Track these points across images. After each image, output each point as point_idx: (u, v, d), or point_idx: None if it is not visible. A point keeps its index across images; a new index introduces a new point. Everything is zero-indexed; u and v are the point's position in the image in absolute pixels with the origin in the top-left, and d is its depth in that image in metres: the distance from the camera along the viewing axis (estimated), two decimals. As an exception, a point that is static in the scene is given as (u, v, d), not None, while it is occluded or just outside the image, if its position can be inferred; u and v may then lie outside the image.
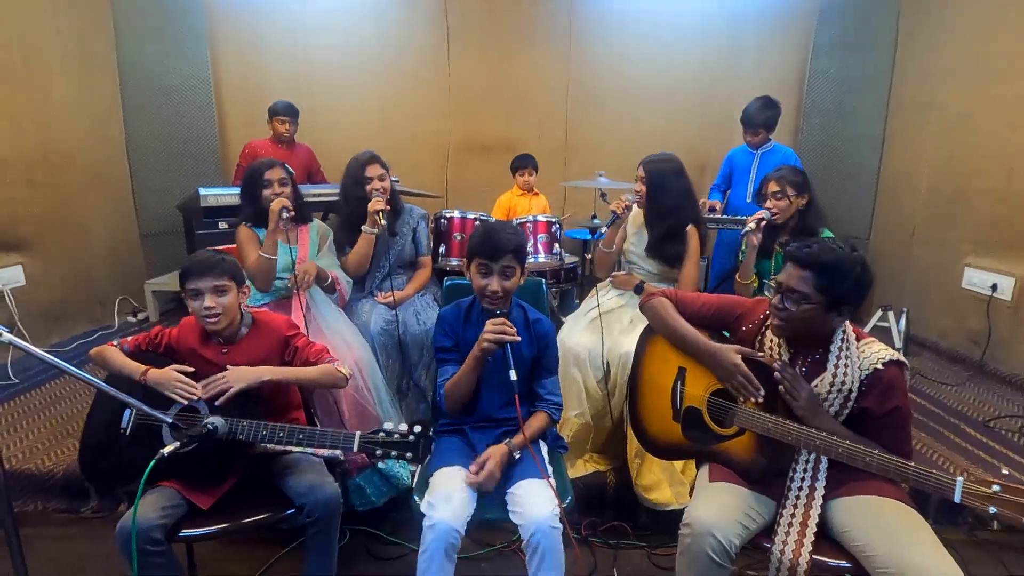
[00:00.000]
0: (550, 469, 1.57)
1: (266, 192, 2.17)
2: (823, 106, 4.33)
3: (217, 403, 1.45)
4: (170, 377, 1.49)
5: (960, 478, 1.09)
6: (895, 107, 4.12)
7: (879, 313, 3.44)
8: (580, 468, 2.22)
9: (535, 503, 1.42)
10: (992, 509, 1.06)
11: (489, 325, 1.52)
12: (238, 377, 1.48)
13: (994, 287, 3.17)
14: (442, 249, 2.80)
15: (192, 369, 1.54)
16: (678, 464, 2.09)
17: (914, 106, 3.92)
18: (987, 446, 2.44)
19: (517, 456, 1.54)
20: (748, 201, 3.13)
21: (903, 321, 3.43)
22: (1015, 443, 2.47)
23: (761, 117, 3.08)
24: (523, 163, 3.78)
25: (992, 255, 3.25)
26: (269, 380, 1.52)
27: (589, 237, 3.55)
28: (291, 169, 2.26)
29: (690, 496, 1.96)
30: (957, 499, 1.09)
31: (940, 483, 1.11)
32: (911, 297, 3.75)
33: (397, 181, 2.58)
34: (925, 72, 3.81)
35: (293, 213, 2.12)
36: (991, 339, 3.18)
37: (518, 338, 1.52)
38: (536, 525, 1.38)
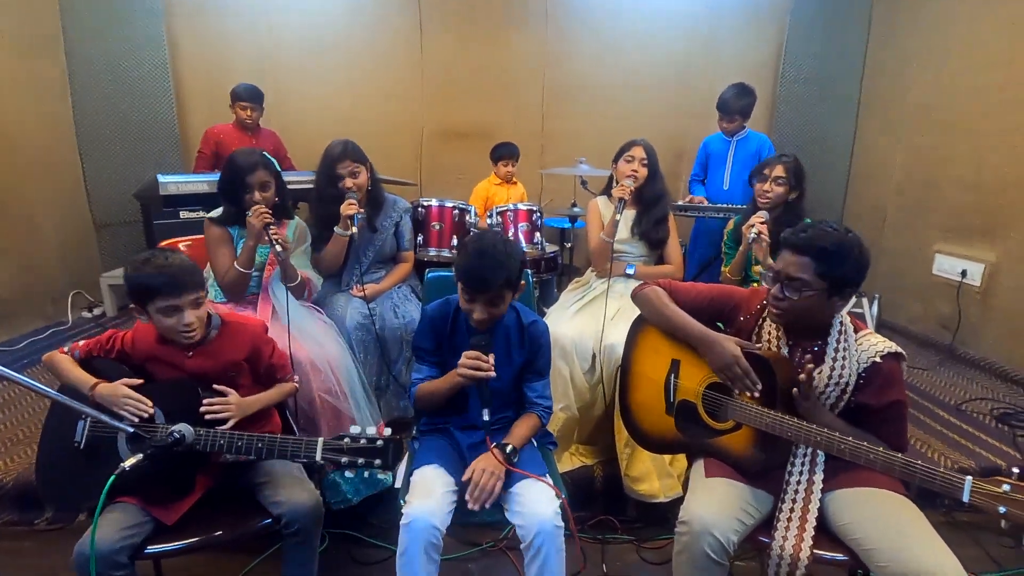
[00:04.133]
0: (544, 468, 1.51)
1: (248, 196, 1.97)
2: (796, 95, 4.34)
3: (217, 428, 1.35)
4: (118, 393, 1.35)
5: (969, 477, 1.07)
6: (867, 96, 4.18)
7: (852, 299, 3.49)
8: (567, 462, 2.18)
9: (537, 502, 1.36)
10: (1002, 508, 1.04)
11: (464, 358, 1.42)
12: (241, 407, 1.43)
13: (964, 273, 3.24)
14: (419, 239, 2.70)
15: (140, 381, 1.40)
16: (667, 456, 2.07)
17: (887, 94, 3.97)
18: (961, 429, 2.49)
19: (515, 460, 1.46)
20: (725, 189, 3.12)
21: (875, 307, 3.50)
22: (988, 426, 2.53)
23: (738, 104, 3.06)
24: (508, 153, 3.67)
25: (962, 242, 3.32)
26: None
27: (568, 226, 3.50)
28: (276, 166, 2.06)
29: (682, 490, 1.95)
30: (965, 499, 1.07)
31: (947, 482, 1.08)
32: (882, 283, 3.82)
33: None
34: (897, 61, 3.86)
35: (276, 231, 1.94)
36: (961, 324, 3.26)
37: (493, 374, 1.42)
38: (539, 526, 1.32)
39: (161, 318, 1.39)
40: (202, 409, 1.37)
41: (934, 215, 3.50)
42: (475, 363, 1.41)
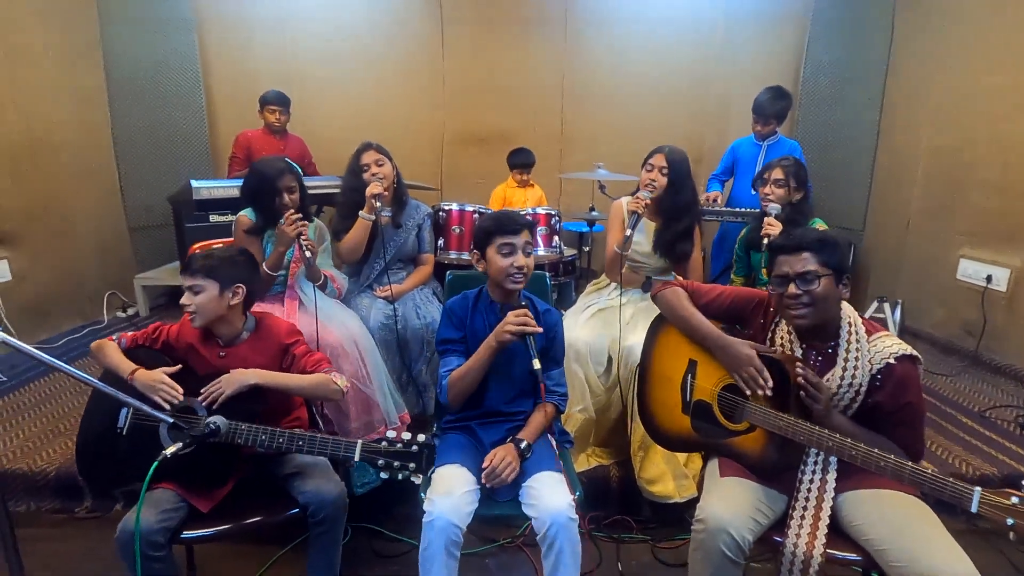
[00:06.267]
0: (560, 464, 1.56)
1: (277, 200, 2.05)
2: (819, 97, 4.32)
3: (214, 407, 1.41)
4: (155, 379, 1.44)
5: (978, 489, 1.08)
6: (890, 98, 4.13)
7: (875, 304, 3.46)
8: (583, 462, 2.21)
9: (552, 495, 1.40)
10: (1010, 520, 1.05)
11: (511, 316, 1.49)
12: (229, 381, 1.44)
13: (989, 278, 3.19)
14: (440, 242, 2.76)
15: (179, 367, 1.49)
16: (681, 457, 2.09)
17: (909, 97, 3.92)
18: (985, 436, 2.46)
19: (528, 455, 1.52)
20: (752, 193, 3.11)
21: (898, 312, 3.46)
22: (1012, 433, 2.50)
23: (774, 108, 3.03)
24: (522, 163, 3.70)
25: (987, 246, 3.27)
26: (256, 384, 1.46)
27: (587, 230, 3.54)
28: (298, 170, 2.14)
29: (697, 490, 1.97)
30: (974, 510, 1.08)
31: (957, 492, 1.10)
32: (906, 288, 3.77)
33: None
34: (920, 63, 3.81)
35: (306, 237, 2.01)
36: (985, 330, 3.20)
37: (540, 329, 1.50)
38: (552, 518, 1.36)
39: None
40: (200, 398, 1.43)
41: (958, 219, 3.45)
42: (522, 319, 1.48)
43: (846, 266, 1.40)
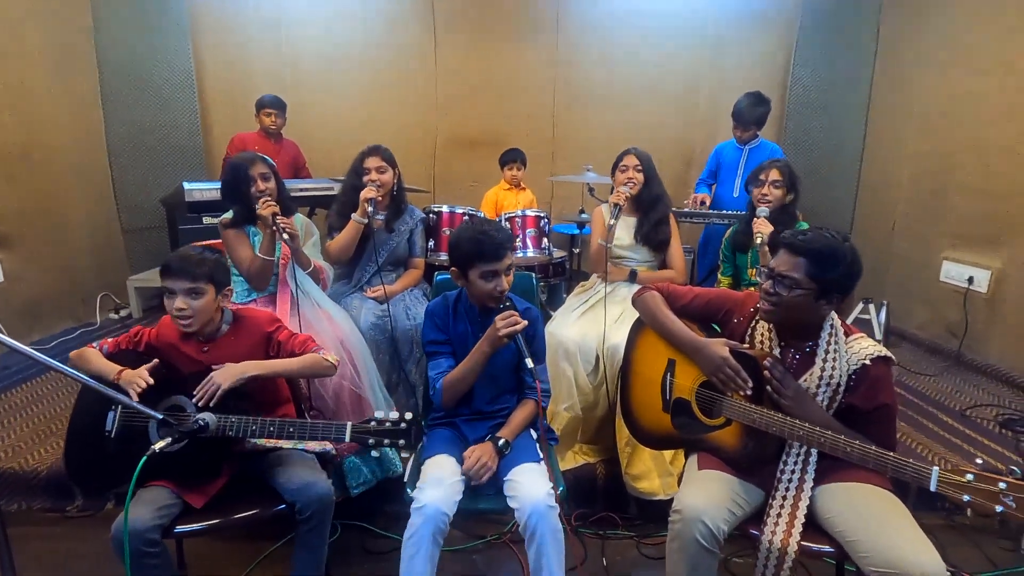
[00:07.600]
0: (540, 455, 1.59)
1: (253, 189, 2.09)
2: (806, 102, 4.39)
3: (211, 404, 1.42)
4: (138, 375, 1.44)
5: (936, 467, 1.13)
6: (876, 104, 4.20)
7: (860, 305, 3.51)
8: (570, 460, 2.24)
9: (531, 485, 1.44)
10: (966, 497, 1.10)
11: (499, 321, 1.51)
12: (223, 376, 1.44)
13: (970, 280, 3.26)
14: (431, 244, 2.80)
15: (156, 361, 1.50)
16: (667, 455, 2.13)
17: (895, 102, 4.00)
18: (964, 434, 2.51)
19: (507, 452, 1.56)
20: (735, 196, 3.16)
21: (883, 313, 3.51)
22: (991, 431, 2.55)
23: (753, 114, 3.09)
24: (512, 157, 3.78)
25: (969, 249, 3.33)
26: (254, 375, 1.48)
27: (576, 232, 3.58)
28: (272, 161, 2.18)
29: (679, 485, 2.01)
30: (933, 487, 1.13)
31: (917, 472, 1.14)
32: (891, 290, 3.83)
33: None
34: (906, 68, 3.88)
35: (284, 220, 2.03)
36: (967, 330, 3.26)
37: (526, 322, 1.53)
38: (532, 506, 1.40)
39: (166, 298, 1.52)
40: (194, 399, 1.43)
41: (942, 222, 3.52)
42: (511, 320, 1.51)
43: (839, 286, 1.37)
